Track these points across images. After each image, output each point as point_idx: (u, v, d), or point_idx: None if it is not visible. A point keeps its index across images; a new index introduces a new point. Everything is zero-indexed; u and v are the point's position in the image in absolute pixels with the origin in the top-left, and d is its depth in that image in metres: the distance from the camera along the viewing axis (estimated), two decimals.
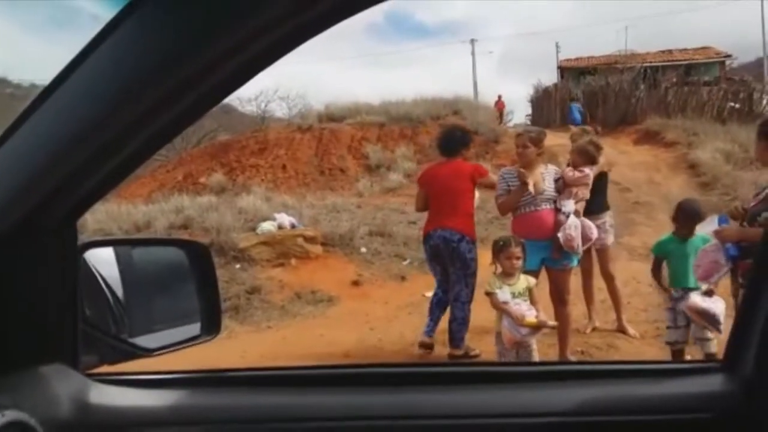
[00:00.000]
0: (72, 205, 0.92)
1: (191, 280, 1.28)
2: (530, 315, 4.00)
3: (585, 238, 4.63)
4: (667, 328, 4.39)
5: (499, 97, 27.96)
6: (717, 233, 3.61)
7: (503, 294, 4.05)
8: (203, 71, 0.73)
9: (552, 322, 4.27)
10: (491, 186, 5.25)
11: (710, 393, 1.04)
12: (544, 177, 4.69)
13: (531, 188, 4.61)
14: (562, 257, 4.62)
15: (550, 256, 4.61)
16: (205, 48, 0.71)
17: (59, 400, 0.95)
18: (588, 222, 4.71)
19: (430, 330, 5.33)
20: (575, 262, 4.82)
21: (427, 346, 5.31)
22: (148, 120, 0.79)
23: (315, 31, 0.72)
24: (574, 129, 7.40)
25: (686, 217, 4.30)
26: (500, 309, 4.07)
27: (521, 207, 4.71)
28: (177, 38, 0.71)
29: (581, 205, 4.78)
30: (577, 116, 21.33)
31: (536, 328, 4.07)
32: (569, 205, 4.62)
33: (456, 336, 5.19)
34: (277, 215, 9.81)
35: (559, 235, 4.52)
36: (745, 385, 1.03)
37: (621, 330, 5.57)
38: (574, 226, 4.53)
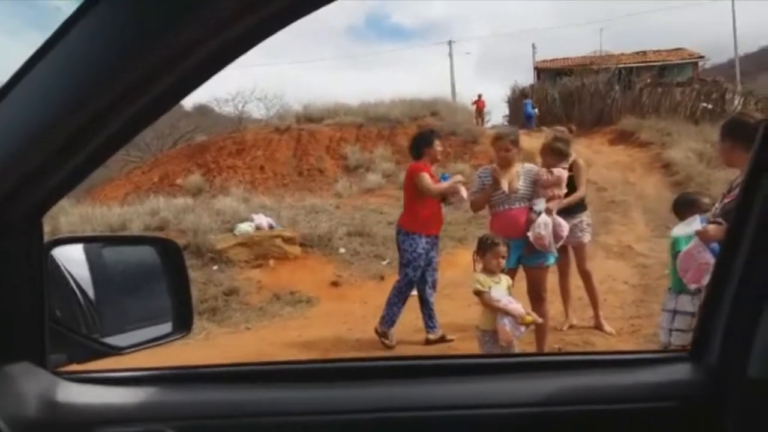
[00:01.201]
0: (36, 201, 0.90)
1: (162, 277, 1.27)
2: (523, 313, 4.00)
3: (556, 236, 4.63)
4: (677, 331, 3.75)
5: (479, 96, 27.96)
6: (701, 233, 3.55)
7: (497, 292, 3.99)
8: (166, 66, 0.73)
9: (540, 320, 4.28)
10: (422, 186, 5.42)
11: (677, 381, 1.06)
12: (520, 176, 4.71)
13: (505, 187, 4.63)
14: (539, 255, 4.64)
15: (527, 254, 4.63)
16: (168, 43, 0.70)
17: (26, 399, 0.94)
18: (559, 220, 4.70)
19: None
20: (552, 260, 4.83)
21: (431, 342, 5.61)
22: (110, 116, 0.78)
23: (275, 27, 0.72)
24: (546, 131, 7.48)
25: (692, 209, 3.87)
26: (494, 308, 3.98)
27: (496, 206, 4.73)
28: (139, 33, 0.71)
29: (557, 203, 4.77)
30: (530, 110, 23.99)
31: (529, 325, 4.09)
32: (540, 204, 4.63)
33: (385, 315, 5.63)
34: (254, 216, 9.72)
35: (529, 233, 4.53)
36: (711, 374, 1.05)
37: (598, 327, 5.64)
38: (543, 225, 4.54)
